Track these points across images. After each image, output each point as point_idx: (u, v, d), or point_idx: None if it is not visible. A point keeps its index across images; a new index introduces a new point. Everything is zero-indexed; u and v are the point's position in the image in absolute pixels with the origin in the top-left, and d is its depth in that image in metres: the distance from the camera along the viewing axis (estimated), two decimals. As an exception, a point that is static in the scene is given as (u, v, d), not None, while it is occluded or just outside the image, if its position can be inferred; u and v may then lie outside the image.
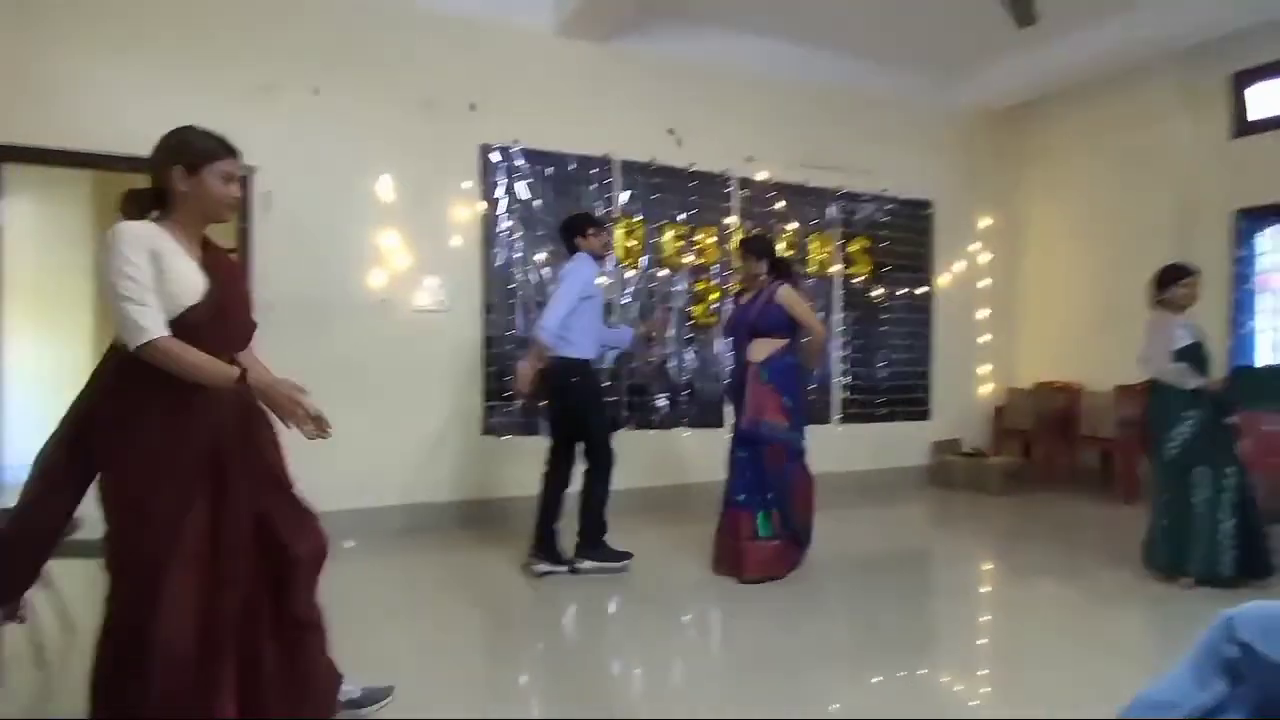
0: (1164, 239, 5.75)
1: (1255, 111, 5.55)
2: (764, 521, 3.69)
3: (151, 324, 1.75)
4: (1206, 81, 5.77)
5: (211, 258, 1.93)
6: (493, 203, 5.06)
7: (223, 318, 1.88)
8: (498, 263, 5.06)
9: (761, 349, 3.79)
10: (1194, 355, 3.77)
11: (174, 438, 1.81)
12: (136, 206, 1.88)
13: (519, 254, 5.12)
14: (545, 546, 3.86)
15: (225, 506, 1.85)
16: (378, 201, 4.74)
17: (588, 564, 3.85)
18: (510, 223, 5.10)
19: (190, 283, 1.82)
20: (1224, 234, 5.65)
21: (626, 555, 3.94)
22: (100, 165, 4.29)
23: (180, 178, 1.85)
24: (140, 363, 1.76)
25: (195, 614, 1.78)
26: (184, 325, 1.79)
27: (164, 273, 1.78)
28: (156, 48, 4.24)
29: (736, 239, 5.66)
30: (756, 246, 3.93)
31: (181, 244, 1.85)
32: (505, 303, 5.08)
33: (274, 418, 2.01)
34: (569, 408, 3.90)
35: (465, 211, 5.01)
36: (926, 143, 6.67)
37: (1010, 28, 4.39)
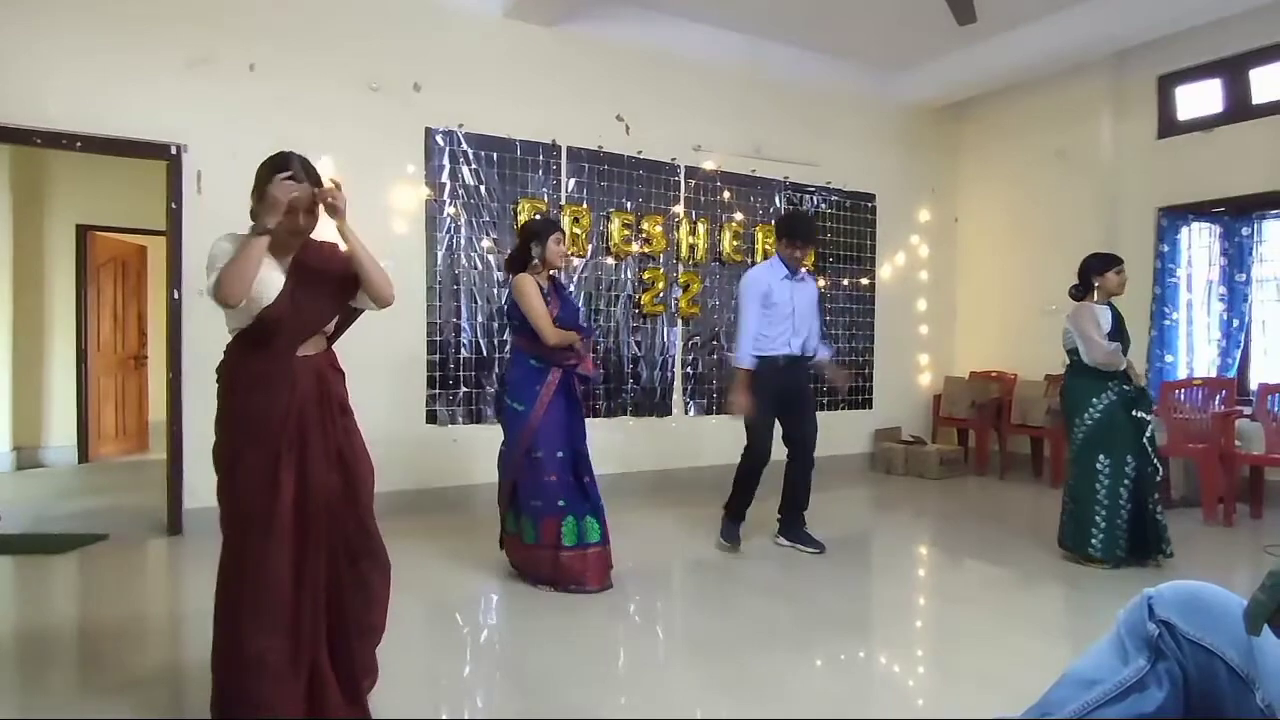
0: (1092, 233, 5.97)
1: (1182, 112, 5.79)
2: (585, 528, 3.42)
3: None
4: (1135, 83, 6.01)
5: (298, 260, 2.19)
6: (437, 187, 4.97)
7: (298, 312, 2.12)
8: (442, 249, 4.98)
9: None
10: (1117, 336, 3.95)
11: (264, 405, 2.04)
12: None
13: (464, 240, 5.05)
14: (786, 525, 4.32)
15: (309, 469, 2.06)
16: (317, 184, 4.61)
17: (783, 541, 4.30)
18: (454, 209, 5.02)
19: (267, 288, 2.06)
20: (1149, 230, 5.89)
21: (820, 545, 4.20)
22: (20, 140, 4.07)
23: (255, 202, 2.14)
24: (236, 340, 2.11)
25: (291, 564, 2.00)
26: (262, 321, 2.06)
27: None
28: (80, 15, 4.02)
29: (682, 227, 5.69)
30: None
31: (272, 256, 2.10)
32: (450, 289, 5.00)
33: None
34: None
35: (409, 196, 4.90)
36: (870, 137, 6.79)
37: (951, 25, 4.49)
